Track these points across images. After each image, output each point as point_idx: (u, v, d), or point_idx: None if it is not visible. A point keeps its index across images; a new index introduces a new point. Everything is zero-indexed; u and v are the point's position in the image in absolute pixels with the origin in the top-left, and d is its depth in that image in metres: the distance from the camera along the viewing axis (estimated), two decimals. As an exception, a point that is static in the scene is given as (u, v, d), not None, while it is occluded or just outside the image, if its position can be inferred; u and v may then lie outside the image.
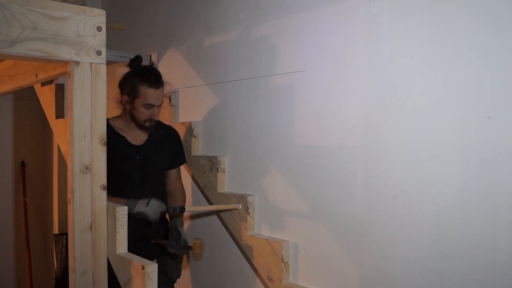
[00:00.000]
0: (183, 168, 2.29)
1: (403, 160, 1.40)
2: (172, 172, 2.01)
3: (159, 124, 1.97)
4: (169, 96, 2.32)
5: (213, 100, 2.10)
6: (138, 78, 1.79)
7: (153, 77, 1.80)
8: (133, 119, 1.84)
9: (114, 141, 1.78)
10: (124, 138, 1.87)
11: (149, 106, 1.80)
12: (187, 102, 2.27)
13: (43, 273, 3.80)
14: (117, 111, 1.95)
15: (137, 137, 1.89)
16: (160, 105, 1.85)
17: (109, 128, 1.79)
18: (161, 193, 1.96)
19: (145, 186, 1.89)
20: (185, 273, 2.32)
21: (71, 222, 1.23)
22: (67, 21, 1.20)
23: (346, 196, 1.55)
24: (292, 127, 1.74)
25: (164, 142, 1.96)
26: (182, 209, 1.68)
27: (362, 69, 1.51)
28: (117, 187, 1.73)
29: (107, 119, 1.74)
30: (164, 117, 2.35)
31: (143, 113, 1.81)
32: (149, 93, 1.79)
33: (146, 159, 1.89)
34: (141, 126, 1.86)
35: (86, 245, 1.24)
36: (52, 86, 2.83)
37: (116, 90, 1.99)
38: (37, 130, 3.80)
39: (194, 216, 2.24)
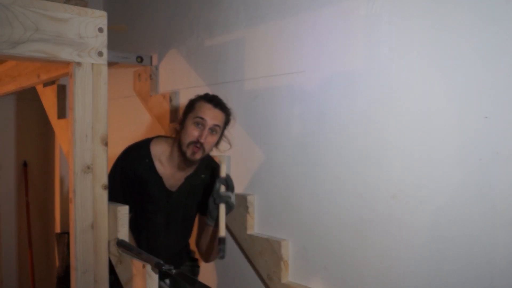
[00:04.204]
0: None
1: (402, 160, 1.41)
2: None
3: (203, 165, 1.68)
4: (170, 97, 2.33)
5: (213, 100, 2.11)
6: (199, 96, 1.59)
7: (216, 99, 1.57)
8: (179, 145, 1.55)
9: (149, 178, 1.59)
10: (160, 179, 1.60)
11: (201, 120, 1.50)
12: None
13: (45, 272, 3.82)
14: (119, 109, 1.95)
15: (173, 179, 1.63)
16: (214, 132, 1.54)
17: (149, 157, 1.59)
18: (186, 238, 1.78)
19: (170, 230, 1.68)
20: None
21: (72, 221, 1.25)
22: (69, 22, 1.21)
23: (346, 196, 1.56)
24: (292, 127, 1.74)
25: (201, 188, 1.69)
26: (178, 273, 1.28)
27: (362, 69, 1.52)
28: (140, 223, 1.62)
29: (149, 144, 1.60)
30: (165, 118, 2.36)
31: (190, 131, 1.51)
32: (204, 106, 1.53)
33: (175, 206, 1.66)
34: (183, 155, 1.54)
35: (87, 244, 1.26)
36: (54, 86, 2.84)
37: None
38: (39, 130, 3.82)
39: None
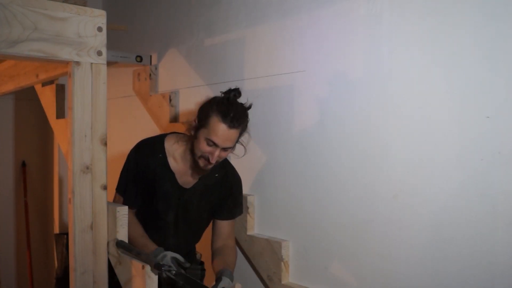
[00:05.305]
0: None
1: (403, 160, 1.41)
2: (224, 225, 1.64)
3: (218, 165, 1.58)
4: (169, 97, 2.32)
5: (213, 100, 2.10)
6: (215, 106, 1.45)
7: (232, 113, 1.42)
8: (192, 150, 1.51)
9: (162, 173, 1.55)
10: (173, 175, 1.56)
11: (211, 143, 1.43)
12: (187, 102, 2.28)
13: (44, 273, 3.81)
14: (118, 109, 1.95)
15: (186, 177, 1.58)
16: (228, 149, 1.48)
17: (162, 152, 1.56)
18: (195, 242, 1.74)
19: (179, 230, 1.62)
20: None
21: (71, 222, 1.24)
22: (68, 21, 1.20)
23: (346, 196, 1.56)
24: (292, 127, 1.74)
25: (216, 189, 1.63)
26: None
27: (362, 69, 1.51)
28: (150, 223, 1.58)
29: (164, 139, 1.57)
30: (165, 118, 2.36)
31: (202, 147, 1.45)
32: (217, 128, 1.41)
33: (188, 205, 1.60)
34: (195, 163, 1.51)
35: (86, 245, 1.25)
36: (53, 86, 2.84)
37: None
38: (38, 130, 3.81)
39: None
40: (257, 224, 1.89)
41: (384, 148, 1.45)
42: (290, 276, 1.74)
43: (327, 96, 1.62)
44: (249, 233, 1.87)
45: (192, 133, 1.50)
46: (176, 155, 1.57)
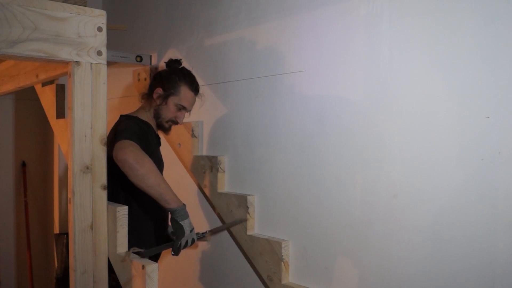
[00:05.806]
0: (183, 168, 2.30)
1: (403, 160, 1.41)
2: None
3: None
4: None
5: (213, 100, 2.10)
6: (183, 77, 1.77)
7: (196, 83, 1.80)
8: (156, 116, 1.77)
9: (154, 141, 1.78)
10: (159, 140, 1.86)
11: (181, 107, 1.76)
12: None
13: (44, 273, 3.81)
14: (118, 109, 1.96)
15: None
16: (188, 112, 1.82)
17: (151, 127, 1.76)
18: None
19: None
20: (185, 273, 2.33)
21: (71, 222, 1.24)
22: (68, 21, 1.20)
23: (346, 196, 1.56)
24: (292, 127, 1.74)
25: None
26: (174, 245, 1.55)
27: (362, 69, 1.51)
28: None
29: (137, 117, 1.76)
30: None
31: (171, 112, 1.75)
32: (188, 95, 1.76)
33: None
34: (160, 125, 1.79)
35: (86, 245, 1.25)
36: (53, 86, 2.84)
37: (143, 84, 1.94)
38: (38, 130, 3.81)
39: (196, 216, 2.24)
40: (257, 224, 1.89)
41: (384, 148, 1.45)
42: (290, 276, 1.74)
43: (327, 96, 1.62)
44: (249, 233, 1.87)
45: (159, 101, 1.75)
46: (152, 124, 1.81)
